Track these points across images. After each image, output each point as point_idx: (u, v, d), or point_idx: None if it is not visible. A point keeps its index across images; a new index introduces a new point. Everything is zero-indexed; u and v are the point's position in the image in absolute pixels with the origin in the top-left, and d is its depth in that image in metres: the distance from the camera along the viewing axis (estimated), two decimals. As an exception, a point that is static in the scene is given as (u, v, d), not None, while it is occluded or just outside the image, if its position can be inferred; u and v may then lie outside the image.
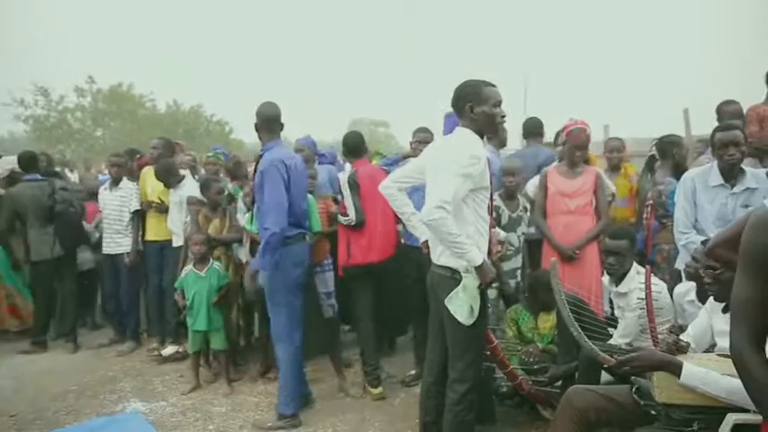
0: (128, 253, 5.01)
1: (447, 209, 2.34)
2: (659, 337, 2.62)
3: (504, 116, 2.58)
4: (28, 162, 5.23)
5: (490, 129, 2.61)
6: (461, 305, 2.46)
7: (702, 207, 3.19)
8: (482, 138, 2.60)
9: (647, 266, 2.98)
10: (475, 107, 2.51)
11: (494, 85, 2.57)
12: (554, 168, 4.02)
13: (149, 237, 4.99)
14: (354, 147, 4.06)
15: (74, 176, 9.07)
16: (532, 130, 4.93)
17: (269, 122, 3.49)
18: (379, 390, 3.88)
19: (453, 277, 2.52)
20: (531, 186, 4.22)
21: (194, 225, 4.39)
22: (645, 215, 4.15)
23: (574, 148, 3.86)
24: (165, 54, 60.21)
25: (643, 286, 2.85)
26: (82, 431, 3.47)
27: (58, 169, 6.43)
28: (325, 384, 4.15)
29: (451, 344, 2.62)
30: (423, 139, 4.15)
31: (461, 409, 2.57)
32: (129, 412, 3.77)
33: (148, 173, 5.08)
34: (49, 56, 52.33)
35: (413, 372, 4.17)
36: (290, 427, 3.48)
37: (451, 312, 2.47)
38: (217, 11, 70.19)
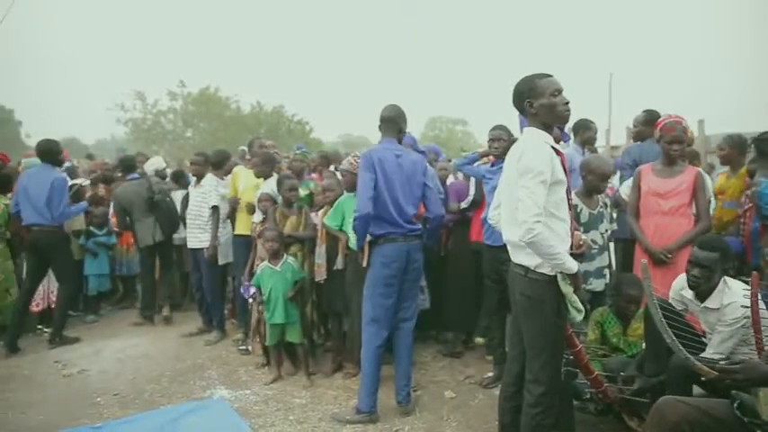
0: (206, 248, 5.19)
1: (541, 220, 2.30)
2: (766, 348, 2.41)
3: (567, 103, 2.48)
4: (128, 165, 6.12)
5: (555, 119, 2.51)
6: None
7: None
8: (551, 131, 2.52)
9: (754, 272, 2.74)
10: (534, 101, 2.46)
11: (549, 75, 2.49)
12: (648, 166, 3.80)
13: (238, 231, 5.16)
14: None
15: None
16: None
17: (383, 122, 3.66)
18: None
19: (527, 276, 2.46)
20: (626, 188, 4.01)
21: (271, 222, 4.52)
22: (742, 218, 3.85)
23: (669, 143, 3.63)
24: (248, 57, 62.94)
25: (744, 296, 2.64)
26: (174, 413, 3.68)
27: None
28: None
29: (527, 345, 2.56)
30: (498, 136, 4.06)
31: (538, 412, 2.50)
32: (216, 399, 3.97)
33: (240, 170, 5.29)
34: (145, 63, 56.23)
35: (490, 374, 4.11)
36: (368, 422, 3.52)
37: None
38: (297, 16, 72.41)
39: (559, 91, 2.47)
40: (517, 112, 3.72)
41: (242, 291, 4.64)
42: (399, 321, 3.63)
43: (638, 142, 4.72)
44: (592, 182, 3.68)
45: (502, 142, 3.93)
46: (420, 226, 3.67)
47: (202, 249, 5.24)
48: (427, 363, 4.59)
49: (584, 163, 3.85)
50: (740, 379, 1.99)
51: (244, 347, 4.96)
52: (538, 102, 2.45)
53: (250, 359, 4.75)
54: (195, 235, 5.32)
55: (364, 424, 3.51)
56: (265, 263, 4.32)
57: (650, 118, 4.49)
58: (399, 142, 3.67)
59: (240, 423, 3.53)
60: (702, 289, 2.83)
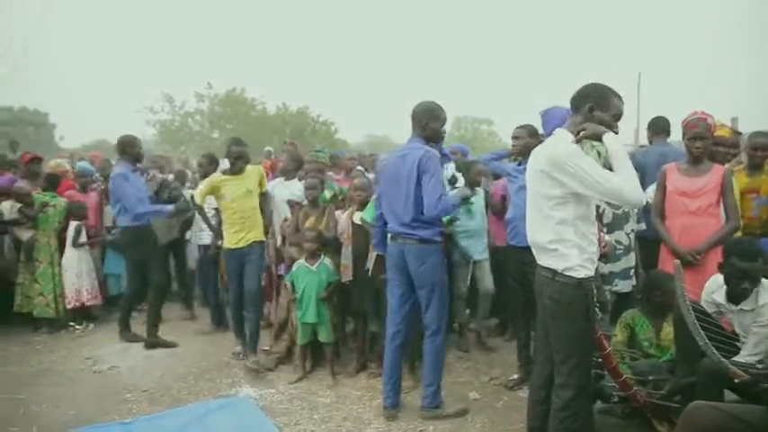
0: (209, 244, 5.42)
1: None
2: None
3: (617, 131, 2.43)
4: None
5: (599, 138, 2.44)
6: None
7: None
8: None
9: None
10: (596, 110, 2.41)
11: (621, 98, 2.46)
12: (674, 166, 3.72)
13: (227, 244, 4.60)
14: None
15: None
16: (657, 128, 4.68)
17: (411, 120, 3.58)
18: None
19: (555, 279, 2.43)
20: (651, 192, 3.94)
21: (293, 222, 4.57)
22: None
23: (691, 140, 3.55)
24: (274, 59, 63.70)
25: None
26: (202, 410, 3.74)
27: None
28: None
29: (556, 348, 2.53)
30: (518, 134, 4.01)
31: (566, 416, 2.47)
32: (242, 396, 4.02)
33: (221, 182, 4.53)
34: (173, 66, 57.35)
35: (515, 376, 4.07)
36: (388, 418, 3.58)
37: None
38: (323, 17, 72.86)
39: (620, 117, 2.46)
40: (540, 113, 3.72)
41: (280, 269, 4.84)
42: (425, 330, 3.58)
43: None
44: None
45: (521, 140, 3.90)
46: (423, 231, 3.42)
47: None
48: (451, 364, 4.56)
49: None
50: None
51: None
52: (601, 114, 2.42)
53: (273, 359, 4.72)
54: (201, 233, 5.58)
55: (388, 423, 3.54)
56: (302, 261, 4.35)
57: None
58: (429, 139, 3.52)
59: (266, 421, 3.57)
60: (747, 296, 2.77)
